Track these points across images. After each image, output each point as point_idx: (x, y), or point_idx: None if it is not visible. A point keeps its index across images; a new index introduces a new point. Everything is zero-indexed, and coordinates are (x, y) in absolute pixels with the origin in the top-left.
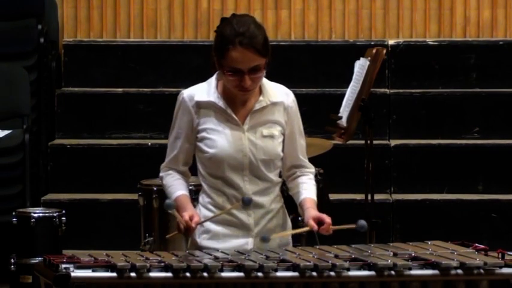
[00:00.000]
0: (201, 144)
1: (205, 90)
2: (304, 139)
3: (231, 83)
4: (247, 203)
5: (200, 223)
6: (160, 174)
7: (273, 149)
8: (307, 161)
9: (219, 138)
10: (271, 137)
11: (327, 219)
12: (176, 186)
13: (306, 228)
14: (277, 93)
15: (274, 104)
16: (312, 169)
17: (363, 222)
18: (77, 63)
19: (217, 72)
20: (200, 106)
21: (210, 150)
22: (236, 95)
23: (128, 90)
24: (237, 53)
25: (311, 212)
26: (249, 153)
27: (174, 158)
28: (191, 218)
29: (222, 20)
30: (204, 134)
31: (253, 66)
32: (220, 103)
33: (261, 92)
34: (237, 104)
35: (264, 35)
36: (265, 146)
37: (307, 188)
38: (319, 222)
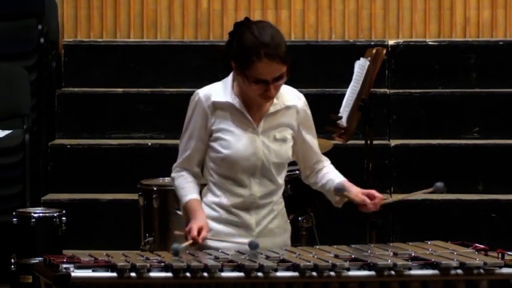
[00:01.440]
0: (215, 144)
1: (221, 91)
2: (316, 137)
3: (254, 91)
4: (253, 247)
5: (206, 238)
6: (172, 174)
7: (285, 153)
8: (322, 155)
9: (234, 139)
10: (284, 140)
11: (377, 194)
12: (187, 189)
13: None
14: (290, 97)
15: (287, 107)
16: (328, 160)
17: (440, 184)
18: (77, 63)
19: (232, 73)
20: (216, 106)
21: (225, 151)
22: (254, 99)
23: (128, 90)
24: (263, 65)
25: (356, 188)
26: (262, 156)
27: (188, 158)
28: (199, 232)
29: (238, 25)
30: (219, 135)
31: (278, 75)
32: (238, 105)
33: None
34: (252, 106)
35: (284, 40)
36: (278, 149)
37: (336, 174)
38: (369, 197)
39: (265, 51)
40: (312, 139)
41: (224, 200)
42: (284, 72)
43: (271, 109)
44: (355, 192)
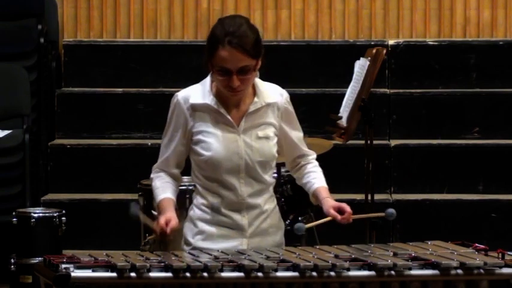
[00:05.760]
0: (196, 147)
1: (199, 92)
2: (300, 130)
3: (220, 83)
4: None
5: (176, 229)
6: (151, 175)
7: (269, 150)
8: (306, 148)
9: (215, 141)
10: (266, 138)
11: (347, 208)
12: (162, 188)
13: (328, 218)
14: (271, 94)
15: (268, 105)
16: (313, 155)
17: (391, 210)
18: (77, 63)
19: (210, 74)
20: (195, 109)
21: (206, 153)
22: (228, 96)
23: (127, 90)
24: (226, 53)
25: (329, 201)
26: (244, 155)
27: (166, 160)
28: (167, 223)
29: (218, 20)
30: (199, 137)
31: (241, 67)
32: (216, 105)
33: (255, 93)
34: (231, 106)
35: (256, 36)
36: (260, 147)
37: (316, 177)
38: (339, 211)
39: (229, 39)
40: (295, 134)
41: (214, 202)
42: (250, 65)
43: (252, 108)
44: (327, 207)
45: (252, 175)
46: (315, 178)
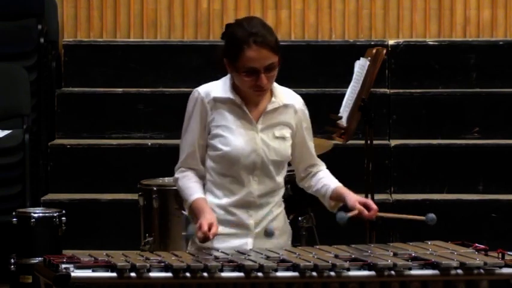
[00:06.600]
0: (213, 142)
1: (221, 87)
2: (312, 140)
3: (247, 83)
4: (269, 234)
5: (217, 234)
6: (176, 175)
7: (284, 151)
8: (318, 158)
9: (233, 136)
10: (283, 138)
11: (373, 205)
12: (193, 188)
13: (355, 212)
14: (288, 96)
15: (286, 105)
16: (324, 165)
17: (432, 215)
18: (77, 63)
19: (229, 75)
20: (217, 102)
21: (224, 148)
22: (250, 96)
23: (127, 90)
24: (253, 52)
25: (354, 195)
26: (262, 153)
27: (191, 156)
28: (210, 228)
29: (228, 26)
30: (218, 131)
31: (268, 64)
32: (237, 100)
33: (272, 93)
34: (250, 103)
35: (274, 33)
36: (277, 147)
37: (332, 180)
38: (365, 207)
39: (254, 38)
40: (309, 141)
41: (223, 200)
42: (275, 62)
43: (269, 107)
44: (353, 201)
45: (266, 173)
46: (330, 181)
